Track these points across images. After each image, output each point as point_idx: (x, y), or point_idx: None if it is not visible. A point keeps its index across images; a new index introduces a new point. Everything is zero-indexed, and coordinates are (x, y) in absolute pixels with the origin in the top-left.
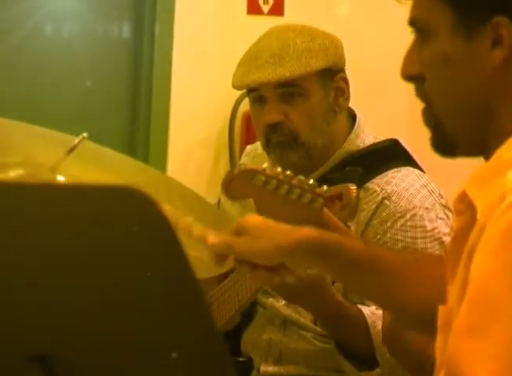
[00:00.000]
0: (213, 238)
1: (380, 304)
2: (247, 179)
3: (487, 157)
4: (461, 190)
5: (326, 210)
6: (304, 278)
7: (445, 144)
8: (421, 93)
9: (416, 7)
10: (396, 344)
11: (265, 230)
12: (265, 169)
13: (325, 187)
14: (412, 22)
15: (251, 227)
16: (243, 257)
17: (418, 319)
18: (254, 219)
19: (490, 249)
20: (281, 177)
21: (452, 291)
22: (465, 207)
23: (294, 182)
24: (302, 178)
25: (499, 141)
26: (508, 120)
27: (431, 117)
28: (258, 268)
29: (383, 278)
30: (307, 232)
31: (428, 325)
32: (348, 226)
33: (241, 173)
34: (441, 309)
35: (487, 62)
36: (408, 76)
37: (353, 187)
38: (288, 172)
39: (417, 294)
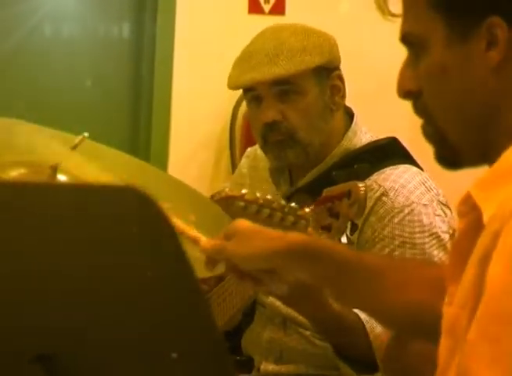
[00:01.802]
0: (205, 242)
1: (367, 309)
2: (227, 205)
3: (491, 160)
4: (465, 192)
5: (310, 230)
6: (295, 286)
7: (450, 155)
8: (420, 109)
9: (406, 22)
10: (396, 363)
11: (255, 234)
12: (243, 195)
13: (307, 209)
14: (404, 38)
15: (241, 231)
16: (233, 260)
17: (406, 324)
18: (243, 223)
19: (504, 262)
20: (261, 202)
21: (458, 294)
22: (468, 209)
23: (275, 206)
24: (283, 202)
25: (505, 143)
26: None
27: (434, 131)
28: (246, 277)
29: (371, 282)
30: (297, 236)
31: (418, 330)
32: (356, 224)
33: (220, 200)
34: (447, 312)
35: (483, 64)
36: (405, 92)
37: (361, 185)
38: (269, 197)
39: (404, 297)
